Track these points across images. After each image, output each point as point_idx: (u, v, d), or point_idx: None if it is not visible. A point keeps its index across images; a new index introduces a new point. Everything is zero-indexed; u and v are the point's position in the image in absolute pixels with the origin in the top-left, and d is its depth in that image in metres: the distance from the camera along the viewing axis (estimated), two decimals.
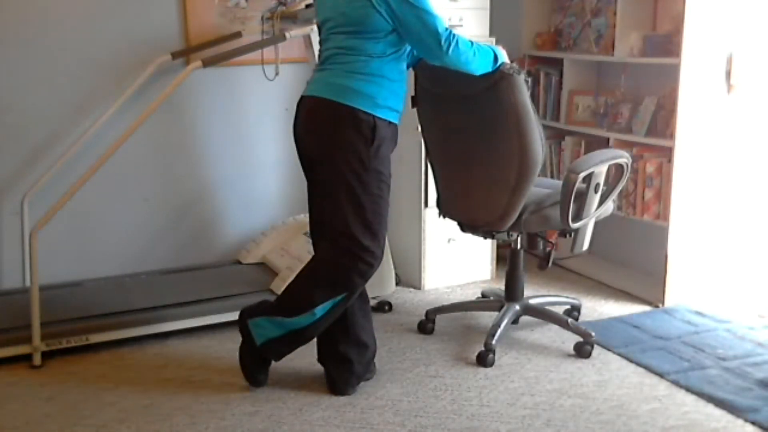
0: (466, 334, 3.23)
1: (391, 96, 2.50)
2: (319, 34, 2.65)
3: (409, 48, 2.57)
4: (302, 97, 2.59)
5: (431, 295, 3.69)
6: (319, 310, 2.56)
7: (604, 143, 3.73)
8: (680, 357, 2.96)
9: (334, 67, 2.50)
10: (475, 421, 2.53)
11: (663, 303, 3.48)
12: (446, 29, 2.41)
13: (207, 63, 2.99)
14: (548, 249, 3.01)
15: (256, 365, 2.71)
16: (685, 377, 2.79)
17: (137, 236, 3.68)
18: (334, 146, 2.49)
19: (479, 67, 2.54)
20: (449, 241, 3.74)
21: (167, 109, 3.55)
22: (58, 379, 2.83)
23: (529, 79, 2.67)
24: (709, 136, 3.41)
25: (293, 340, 2.64)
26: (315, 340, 2.74)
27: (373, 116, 2.46)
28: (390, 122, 2.53)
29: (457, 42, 2.42)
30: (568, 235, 2.91)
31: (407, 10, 2.38)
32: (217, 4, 3.63)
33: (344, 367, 2.69)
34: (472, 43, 2.49)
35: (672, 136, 3.36)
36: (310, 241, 2.77)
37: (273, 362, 2.73)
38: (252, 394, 2.71)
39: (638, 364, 2.91)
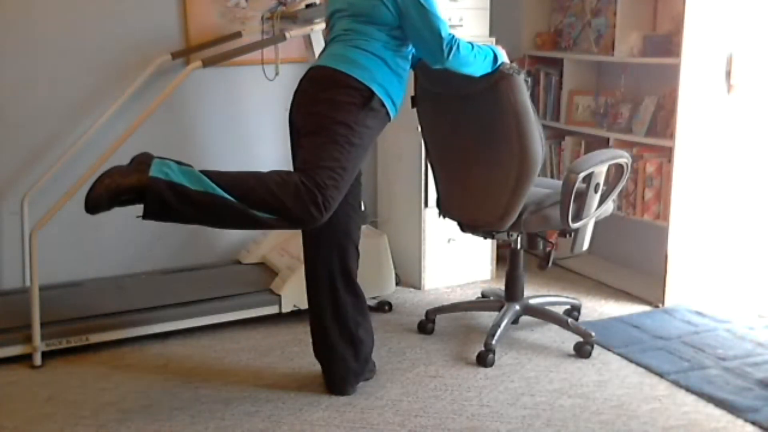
0: (466, 334, 3.23)
1: (387, 79, 2.49)
2: (327, 26, 2.68)
3: (412, 50, 2.57)
4: (303, 76, 2.59)
5: (431, 295, 3.69)
6: (239, 200, 2.27)
7: (604, 143, 3.73)
8: (680, 357, 2.96)
9: (338, 44, 2.52)
10: (475, 421, 2.53)
11: (663, 303, 3.48)
12: (450, 34, 2.43)
13: (207, 63, 2.99)
14: (548, 249, 3.01)
15: (114, 194, 2.23)
16: (685, 377, 2.79)
17: (137, 236, 3.68)
18: (324, 104, 2.44)
19: (479, 69, 2.56)
20: (449, 241, 3.74)
21: (167, 109, 3.55)
22: (58, 379, 2.83)
23: (529, 79, 2.67)
24: (709, 136, 3.41)
25: (189, 199, 2.24)
26: (310, 337, 2.73)
27: (368, 87, 2.44)
28: (383, 103, 2.48)
29: (458, 47, 2.44)
30: (568, 235, 2.91)
31: (414, 8, 2.40)
32: (217, 4, 3.63)
33: (340, 365, 2.69)
34: (472, 46, 2.51)
35: (672, 136, 3.36)
36: None
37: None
38: (252, 394, 2.71)
39: (638, 364, 2.92)
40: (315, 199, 2.33)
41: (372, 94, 2.44)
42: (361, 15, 2.47)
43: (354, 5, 2.49)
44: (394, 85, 2.51)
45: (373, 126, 2.49)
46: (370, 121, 2.47)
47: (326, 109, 2.43)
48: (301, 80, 2.59)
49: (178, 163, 2.31)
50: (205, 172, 2.29)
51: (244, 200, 2.28)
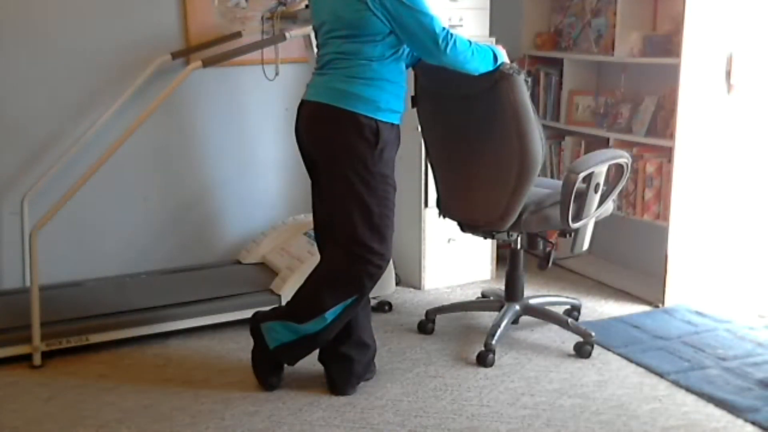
0: (466, 334, 3.23)
1: (392, 98, 2.51)
2: (316, 37, 2.65)
3: (407, 49, 2.56)
4: (303, 102, 2.59)
5: (431, 295, 3.69)
6: (330, 314, 2.57)
7: (604, 143, 3.73)
8: (680, 357, 2.96)
9: (334, 72, 2.49)
10: (475, 421, 2.53)
11: (663, 303, 3.48)
12: (443, 29, 2.41)
13: (207, 63, 2.99)
14: (548, 249, 3.01)
15: (269, 369, 2.74)
16: (685, 377, 2.79)
17: (137, 236, 3.68)
18: (337, 151, 2.49)
19: (478, 66, 2.54)
20: (449, 241, 3.74)
21: (167, 109, 3.55)
22: (58, 379, 2.83)
23: (529, 79, 2.67)
24: (709, 136, 3.41)
25: (306, 344, 2.66)
26: None
27: (376, 120, 2.46)
28: (392, 124, 2.53)
29: (455, 41, 2.42)
30: (568, 235, 2.91)
31: (403, 11, 2.37)
32: (217, 5, 3.63)
33: (345, 367, 2.69)
34: (470, 42, 2.49)
35: (672, 136, 3.36)
36: (312, 240, 2.78)
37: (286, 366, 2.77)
38: (252, 394, 2.71)
39: (638, 364, 2.91)
40: (366, 261, 2.54)
41: (379, 125, 2.47)
42: (351, 29, 2.42)
43: (342, 18, 2.43)
44: (397, 97, 2.53)
45: (390, 155, 2.56)
46: (387, 153, 2.53)
47: (342, 155, 2.49)
48: (300, 113, 2.59)
49: (276, 317, 2.66)
50: (289, 313, 2.65)
51: (327, 313, 2.57)
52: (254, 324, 2.70)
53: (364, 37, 2.42)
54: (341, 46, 2.47)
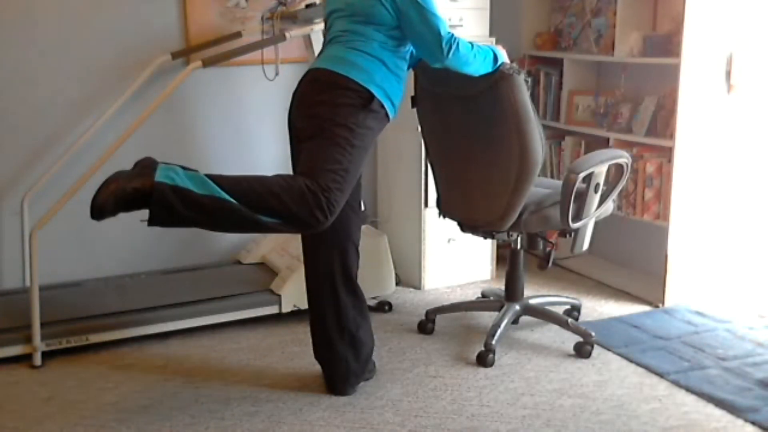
0: (466, 334, 3.23)
1: (387, 81, 2.49)
2: (325, 26, 2.68)
3: (410, 50, 2.57)
4: (301, 79, 2.59)
5: (431, 295, 3.69)
6: (244, 206, 2.27)
7: (604, 143, 3.73)
8: (680, 357, 2.96)
9: (335, 45, 2.53)
10: (475, 421, 2.53)
11: (663, 303, 3.48)
12: (449, 32, 2.42)
13: (207, 63, 2.99)
14: (548, 249, 3.01)
15: (120, 199, 2.21)
16: (685, 377, 2.79)
17: (137, 236, 3.67)
18: (323, 107, 2.44)
19: (479, 68, 2.55)
20: (449, 241, 3.74)
21: (167, 109, 3.55)
22: (58, 379, 2.83)
23: (529, 79, 2.67)
24: (709, 136, 3.41)
25: (195, 203, 2.23)
26: (310, 338, 2.74)
27: (368, 90, 2.44)
28: (382, 104, 2.48)
29: (458, 45, 2.44)
30: (568, 235, 2.91)
31: (412, 7, 2.40)
32: (217, 4, 3.63)
33: (340, 365, 2.69)
34: (472, 45, 2.50)
35: (672, 136, 3.36)
36: None
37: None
38: (252, 394, 2.71)
39: (638, 364, 2.92)
40: (319, 202, 2.33)
41: (371, 96, 2.44)
42: (359, 15, 2.47)
43: (352, 5, 2.49)
44: (392, 86, 2.51)
45: (373, 127, 2.49)
46: (371, 122, 2.47)
47: (326, 111, 2.43)
48: (300, 82, 2.59)
49: (184, 168, 2.29)
50: (210, 177, 2.28)
51: (249, 204, 2.27)
52: (151, 160, 2.30)
53: (372, 24, 2.46)
54: (348, 25, 2.51)
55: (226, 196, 2.25)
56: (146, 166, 2.27)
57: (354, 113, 2.43)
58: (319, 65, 2.52)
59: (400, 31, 2.47)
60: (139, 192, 2.21)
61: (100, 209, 2.20)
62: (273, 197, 2.29)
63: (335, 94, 2.43)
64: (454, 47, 2.43)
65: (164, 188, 2.20)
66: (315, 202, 2.32)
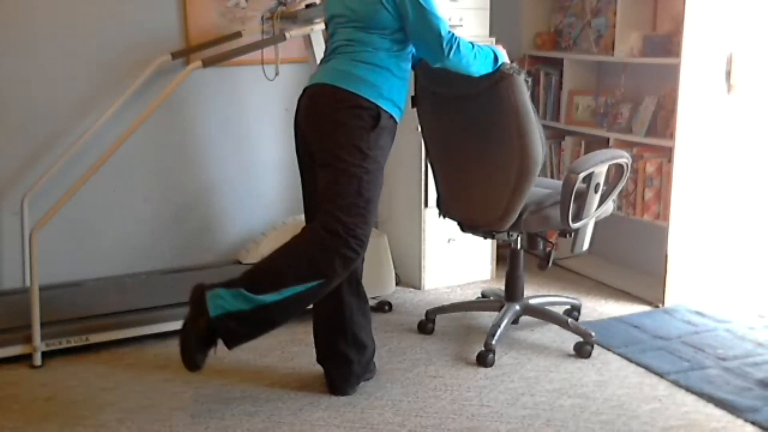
0: (466, 334, 3.23)
1: (394, 89, 2.50)
2: (326, 29, 2.67)
3: (412, 50, 2.57)
4: (305, 89, 2.59)
5: (431, 295, 3.69)
6: (288, 291, 2.40)
7: (604, 143, 3.73)
8: (680, 357, 2.96)
9: (340, 57, 2.51)
10: (475, 421, 2.53)
11: (663, 303, 3.48)
12: (449, 32, 2.43)
13: (207, 63, 2.99)
14: (548, 249, 3.01)
15: (199, 343, 2.40)
16: (685, 377, 2.79)
17: (137, 236, 3.68)
18: (335, 130, 2.45)
19: (479, 69, 2.55)
20: (449, 241, 3.74)
21: (167, 109, 3.55)
22: (58, 379, 2.83)
23: (529, 79, 2.67)
24: (709, 136, 3.41)
25: (253, 318, 2.40)
26: (312, 338, 2.74)
27: (377, 105, 2.45)
28: (391, 116, 2.51)
29: (458, 45, 2.44)
30: (568, 235, 2.91)
31: (413, 8, 2.40)
32: (217, 4, 3.63)
33: (343, 367, 2.69)
34: (473, 45, 2.51)
35: (672, 136, 3.36)
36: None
37: (220, 351, 2.49)
38: (252, 394, 2.71)
39: (638, 364, 2.92)
40: (345, 242, 2.41)
41: (379, 112, 2.45)
42: (362, 21, 2.46)
43: (354, 11, 2.47)
44: (399, 92, 2.53)
45: (385, 144, 2.52)
46: (383, 141, 2.50)
47: (338, 135, 2.44)
48: (302, 99, 2.57)
49: (226, 286, 2.40)
50: (244, 281, 2.39)
51: (287, 289, 2.39)
52: (197, 292, 2.42)
53: (374, 29, 2.46)
54: (350, 34, 2.49)
55: (267, 299, 2.38)
56: (197, 301, 2.41)
57: (365, 136, 2.44)
58: (326, 80, 2.50)
59: (403, 32, 2.47)
60: (204, 332, 2.40)
61: (191, 361, 2.41)
62: (299, 267, 2.41)
63: (345, 114, 2.44)
64: (454, 47, 2.43)
65: (221, 321, 2.39)
66: (339, 243, 2.40)
